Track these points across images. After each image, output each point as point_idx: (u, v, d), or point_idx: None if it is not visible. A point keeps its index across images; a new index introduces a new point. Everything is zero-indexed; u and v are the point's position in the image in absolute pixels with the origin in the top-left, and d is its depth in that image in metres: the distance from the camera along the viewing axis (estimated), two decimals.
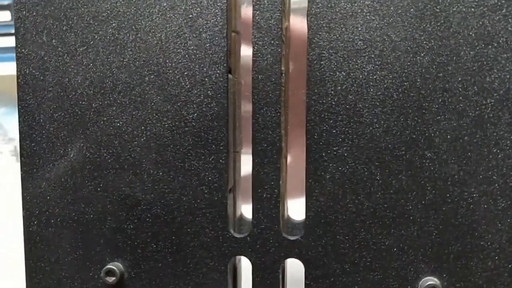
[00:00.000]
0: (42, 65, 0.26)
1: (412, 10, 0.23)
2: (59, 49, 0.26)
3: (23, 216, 0.27)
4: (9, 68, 0.98)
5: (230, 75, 0.26)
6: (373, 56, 0.24)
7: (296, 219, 0.27)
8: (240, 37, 0.27)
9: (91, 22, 0.25)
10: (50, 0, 0.25)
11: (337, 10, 0.24)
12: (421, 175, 0.24)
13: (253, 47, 0.25)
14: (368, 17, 0.24)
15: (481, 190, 0.23)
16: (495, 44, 0.23)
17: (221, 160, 0.25)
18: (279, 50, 0.24)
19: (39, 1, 0.26)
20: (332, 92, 0.24)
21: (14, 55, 0.90)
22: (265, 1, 0.24)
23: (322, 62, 0.24)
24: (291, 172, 0.27)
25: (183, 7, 0.25)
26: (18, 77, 0.26)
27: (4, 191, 0.79)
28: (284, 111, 0.26)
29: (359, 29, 0.24)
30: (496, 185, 0.23)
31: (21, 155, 0.26)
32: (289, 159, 0.27)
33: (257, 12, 0.24)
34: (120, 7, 0.25)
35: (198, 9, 0.25)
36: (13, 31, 1.03)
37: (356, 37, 0.24)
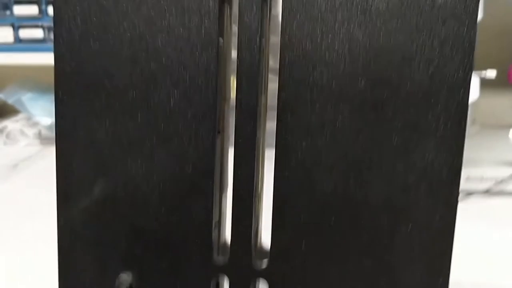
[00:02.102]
0: (73, 125, 0.34)
1: (356, 101, 0.31)
2: (87, 111, 0.33)
3: (58, 237, 0.35)
4: (35, 58, 1.06)
5: (218, 134, 0.33)
6: (327, 136, 0.31)
7: (267, 248, 0.35)
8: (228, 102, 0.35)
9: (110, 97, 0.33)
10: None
11: None
12: (357, 224, 0.31)
13: (236, 122, 0.32)
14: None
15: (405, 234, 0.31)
16: (418, 131, 0.30)
17: (208, 203, 0.33)
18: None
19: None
20: (294, 164, 0.32)
21: (40, 46, 0.98)
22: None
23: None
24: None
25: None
26: (56, 134, 0.34)
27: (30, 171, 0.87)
28: (260, 165, 0.33)
29: None
30: (416, 245, 0.31)
31: (57, 190, 0.34)
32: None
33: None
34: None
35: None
36: (40, 23, 1.10)
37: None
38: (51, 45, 1.01)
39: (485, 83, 1.01)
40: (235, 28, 0.32)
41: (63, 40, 0.33)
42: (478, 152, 0.89)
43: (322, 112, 0.31)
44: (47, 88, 1.10)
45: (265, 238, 0.36)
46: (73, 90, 0.33)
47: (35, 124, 1.07)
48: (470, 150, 0.86)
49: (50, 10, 1.00)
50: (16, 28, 1.03)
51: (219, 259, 0.34)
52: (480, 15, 0.64)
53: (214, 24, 0.32)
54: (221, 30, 0.32)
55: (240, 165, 0.32)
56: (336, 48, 0.30)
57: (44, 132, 1.06)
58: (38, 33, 1.03)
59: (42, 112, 1.07)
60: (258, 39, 0.31)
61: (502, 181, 0.75)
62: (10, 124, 1.08)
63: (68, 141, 0.34)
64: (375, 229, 0.31)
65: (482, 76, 0.71)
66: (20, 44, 1.04)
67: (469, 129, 0.97)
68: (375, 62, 0.30)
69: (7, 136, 1.06)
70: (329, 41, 0.30)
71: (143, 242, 0.34)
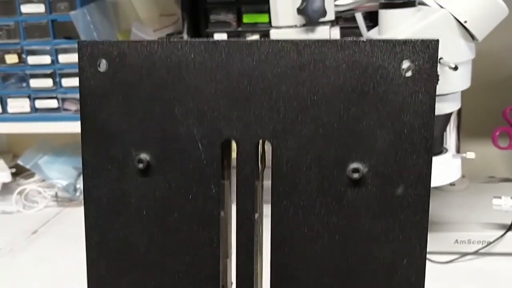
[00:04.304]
0: (102, 283, 0.40)
1: (333, 273, 0.37)
2: (112, 272, 0.40)
3: None
4: (50, 126, 1.13)
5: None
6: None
7: None
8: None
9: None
10: None
11: None
12: None
13: (236, 282, 0.39)
14: None
15: None
16: None
17: None
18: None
19: None
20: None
21: (54, 115, 1.06)
22: None
23: None
24: None
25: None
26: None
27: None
28: None
29: None
30: None
31: None
32: None
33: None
34: None
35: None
36: (54, 95, 1.18)
37: None
38: (64, 114, 1.09)
39: (474, 133, 1.07)
40: None
41: (91, 215, 0.40)
42: (466, 212, 0.94)
43: (306, 280, 0.38)
44: (62, 151, 1.17)
45: None
46: (100, 256, 0.40)
47: (52, 185, 1.14)
48: (458, 211, 0.92)
49: (64, 82, 1.08)
50: (32, 99, 1.10)
51: None
52: (469, 80, 0.70)
53: (216, 204, 0.38)
54: (222, 204, 0.39)
55: None
56: (315, 229, 0.37)
57: (60, 193, 1.13)
58: (52, 103, 1.10)
59: (58, 175, 1.14)
60: (253, 215, 0.38)
61: (489, 244, 0.81)
62: (28, 186, 1.15)
63: None
64: None
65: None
66: (36, 114, 1.11)
67: (459, 186, 1.03)
68: (348, 242, 0.37)
69: (25, 198, 1.13)
70: (310, 225, 0.37)
71: None
